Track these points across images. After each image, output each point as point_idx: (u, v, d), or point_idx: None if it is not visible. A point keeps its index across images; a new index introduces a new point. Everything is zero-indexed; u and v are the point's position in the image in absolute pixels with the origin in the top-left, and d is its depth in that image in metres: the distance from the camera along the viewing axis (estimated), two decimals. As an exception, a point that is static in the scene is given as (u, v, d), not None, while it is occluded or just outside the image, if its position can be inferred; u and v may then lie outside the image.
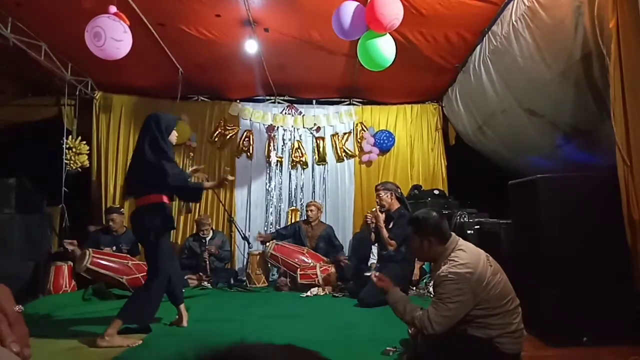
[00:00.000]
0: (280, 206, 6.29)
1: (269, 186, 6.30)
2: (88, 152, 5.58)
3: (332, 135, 6.36)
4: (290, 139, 6.36)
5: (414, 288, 4.68)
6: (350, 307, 4.10)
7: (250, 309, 4.07)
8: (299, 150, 6.29)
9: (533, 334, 2.77)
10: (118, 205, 5.45)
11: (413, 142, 6.39)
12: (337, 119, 6.38)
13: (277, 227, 6.15)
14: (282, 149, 6.36)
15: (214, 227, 5.83)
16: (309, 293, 4.72)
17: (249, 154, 6.26)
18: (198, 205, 6.11)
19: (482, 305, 2.03)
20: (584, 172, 3.17)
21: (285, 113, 6.39)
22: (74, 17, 3.84)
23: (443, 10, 3.79)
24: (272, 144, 6.29)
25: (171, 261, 3.28)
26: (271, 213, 6.26)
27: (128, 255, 4.86)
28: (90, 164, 5.69)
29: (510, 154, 5.07)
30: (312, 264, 5.04)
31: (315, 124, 6.35)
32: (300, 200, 6.28)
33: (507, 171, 5.15)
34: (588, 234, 2.85)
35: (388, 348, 2.73)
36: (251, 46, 4.55)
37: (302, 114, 6.39)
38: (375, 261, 4.98)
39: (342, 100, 6.47)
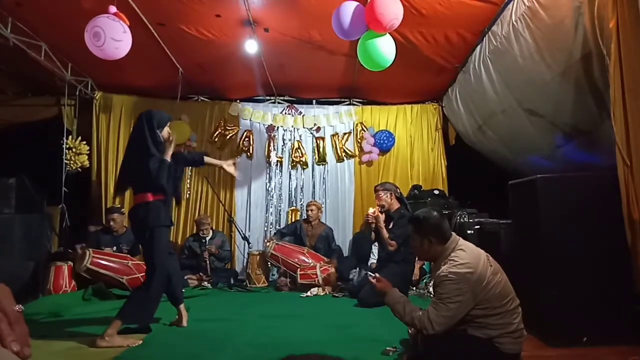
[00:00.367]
0: (280, 206, 6.29)
1: (269, 186, 6.30)
2: (88, 152, 5.59)
3: (332, 135, 6.36)
4: (290, 139, 6.36)
5: (414, 288, 4.69)
6: (350, 307, 4.10)
7: (250, 309, 4.07)
8: (299, 150, 6.29)
9: (533, 334, 2.77)
10: (119, 205, 5.45)
11: (413, 142, 6.39)
12: (337, 119, 6.38)
13: (277, 227, 6.16)
14: (282, 149, 6.36)
15: (214, 227, 5.84)
16: (309, 293, 4.72)
17: (249, 154, 6.26)
18: (198, 205, 6.11)
19: (482, 305, 2.03)
20: (584, 172, 3.17)
21: (285, 113, 6.39)
22: (74, 17, 3.84)
23: (443, 10, 3.79)
24: (272, 144, 6.29)
25: (171, 260, 3.27)
26: (271, 213, 6.26)
27: (128, 255, 4.86)
28: (90, 164, 5.70)
29: (510, 154, 5.07)
30: (312, 264, 5.05)
31: (315, 124, 6.35)
32: (300, 200, 6.28)
33: (507, 171, 5.15)
34: (588, 234, 2.85)
35: (388, 348, 2.73)
36: (251, 46, 4.55)
37: (302, 114, 6.39)
38: (375, 261, 4.98)
39: (342, 100, 6.47)
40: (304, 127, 6.36)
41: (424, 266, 4.94)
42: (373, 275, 2.43)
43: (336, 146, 6.32)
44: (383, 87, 5.98)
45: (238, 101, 6.32)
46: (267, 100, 6.41)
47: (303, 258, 5.16)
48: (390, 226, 4.35)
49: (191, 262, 5.37)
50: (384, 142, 6.20)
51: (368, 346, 2.85)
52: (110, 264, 4.56)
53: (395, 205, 4.44)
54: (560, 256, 2.88)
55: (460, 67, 5.04)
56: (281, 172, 6.34)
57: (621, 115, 2.54)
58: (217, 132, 6.20)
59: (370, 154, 6.23)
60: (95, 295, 4.28)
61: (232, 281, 5.28)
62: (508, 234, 3.59)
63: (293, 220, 6.11)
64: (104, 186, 5.80)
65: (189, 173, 6.09)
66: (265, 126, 6.32)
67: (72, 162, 5.39)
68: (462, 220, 4.57)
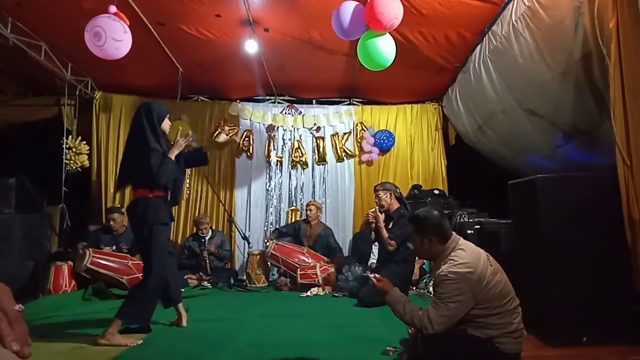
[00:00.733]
0: (280, 206, 6.29)
1: (269, 186, 6.30)
2: (88, 152, 5.59)
3: (332, 135, 6.36)
4: (290, 139, 6.37)
5: (414, 288, 4.69)
6: (350, 307, 4.10)
7: (250, 309, 4.07)
8: (299, 150, 6.29)
9: (533, 334, 2.77)
10: (119, 205, 5.46)
11: (413, 142, 6.39)
12: (337, 119, 6.38)
13: (277, 227, 6.16)
14: (282, 148, 6.36)
15: (213, 227, 5.84)
16: (309, 293, 4.72)
17: (249, 153, 6.26)
18: (198, 204, 6.11)
19: (482, 304, 2.03)
20: (584, 172, 3.17)
21: (285, 113, 6.39)
22: (74, 17, 3.84)
23: (443, 10, 3.79)
24: (272, 144, 6.29)
25: (170, 260, 3.23)
26: (271, 213, 6.26)
27: (128, 255, 4.86)
28: (90, 164, 5.70)
29: (510, 154, 5.07)
30: (312, 264, 5.05)
31: (315, 124, 6.35)
32: (300, 200, 6.28)
33: (507, 171, 5.15)
34: (588, 234, 2.85)
35: (388, 348, 2.73)
36: (251, 46, 4.55)
37: (302, 114, 6.40)
38: (375, 261, 4.98)
39: (342, 100, 6.47)
40: (304, 127, 6.36)
41: (424, 266, 4.94)
42: (373, 274, 2.43)
43: (336, 146, 6.32)
44: (383, 87, 5.98)
45: (238, 101, 6.32)
46: (267, 100, 6.41)
47: (303, 258, 5.16)
48: (390, 226, 4.35)
49: (191, 262, 5.37)
50: (384, 142, 6.20)
51: (368, 346, 2.85)
52: (110, 264, 4.57)
53: (395, 205, 4.44)
54: (560, 256, 2.88)
55: (460, 67, 5.04)
56: (281, 172, 6.33)
57: (621, 115, 2.53)
58: (217, 132, 6.19)
59: (370, 154, 6.23)
60: (95, 295, 4.29)
61: (232, 281, 5.28)
62: (508, 234, 3.59)
63: (293, 220, 6.11)
64: (104, 186, 5.80)
65: (189, 172, 6.09)
66: (265, 126, 6.32)
67: (72, 162, 5.39)
68: (462, 220, 4.57)
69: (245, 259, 5.72)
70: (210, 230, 5.60)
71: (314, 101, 6.46)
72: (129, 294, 3.14)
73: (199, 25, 4.26)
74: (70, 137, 5.53)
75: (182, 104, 6.01)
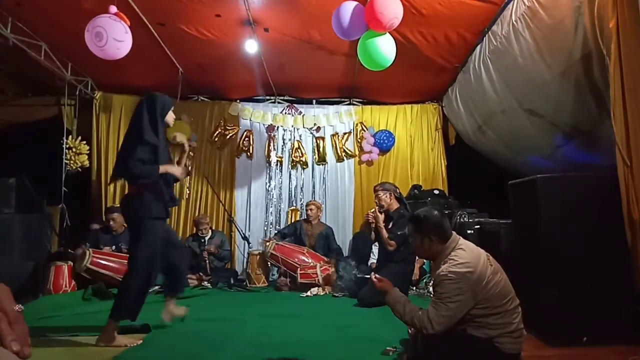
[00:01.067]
0: (280, 206, 6.29)
1: (269, 186, 6.30)
2: (88, 152, 5.59)
3: (332, 135, 6.36)
4: (290, 139, 6.37)
5: (414, 288, 4.69)
6: (350, 307, 4.10)
7: (250, 309, 4.07)
8: (299, 150, 6.29)
9: (533, 334, 2.77)
10: (118, 205, 5.46)
11: (413, 142, 6.39)
12: (337, 119, 6.38)
13: (277, 227, 6.16)
14: (282, 148, 6.36)
15: (213, 227, 5.84)
16: (309, 293, 4.72)
17: (249, 153, 6.26)
18: (198, 204, 6.11)
19: (482, 304, 2.03)
20: (584, 172, 3.17)
21: (285, 113, 6.39)
22: (74, 17, 3.84)
23: (443, 10, 3.79)
24: (272, 144, 6.29)
25: (174, 251, 3.20)
26: (271, 213, 6.26)
27: (128, 255, 4.86)
28: (90, 164, 5.70)
29: (510, 154, 5.07)
30: (312, 264, 5.04)
31: (315, 124, 6.35)
32: (300, 200, 6.28)
33: (507, 171, 5.15)
34: (588, 234, 2.85)
35: (388, 348, 2.73)
36: (251, 46, 4.55)
37: (302, 114, 6.39)
38: (375, 261, 4.99)
39: (342, 100, 6.47)
40: (304, 127, 6.36)
41: (424, 266, 4.94)
42: (374, 275, 2.43)
43: (336, 146, 6.32)
44: (383, 87, 5.98)
45: (238, 101, 6.32)
46: (267, 100, 6.41)
47: (303, 258, 5.16)
48: (390, 226, 4.35)
49: (191, 262, 5.36)
50: (384, 142, 6.20)
51: (368, 346, 2.85)
52: (110, 264, 4.57)
53: (395, 205, 4.44)
54: (560, 256, 2.88)
55: (460, 67, 5.04)
56: (281, 172, 6.34)
57: (621, 115, 2.53)
58: (217, 132, 6.20)
59: (370, 154, 6.23)
60: (95, 295, 4.29)
61: (232, 281, 5.28)
62: (508, 234, 3.59)
63: (293, 221, 6.11)
64: (104, 186, 5.81)
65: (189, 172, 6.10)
66: (265, 126, 6.32)
67: (72, 162, 5.40)
68: (462, 220, 4.57)
69: (245, 259, 5.72)
70: (210, 231, 5.60)
71: (314, 101, 6.46)
72: (118, 292, 3.08)
73: (199, 25, 4.26)
74: (70, 137, 5.54)
75: (182, 104, 6.00)
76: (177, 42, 4.61)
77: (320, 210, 5.80)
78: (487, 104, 4.73)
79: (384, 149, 6.25)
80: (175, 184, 3.36)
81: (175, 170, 3.12)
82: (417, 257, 4.43)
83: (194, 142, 6.12)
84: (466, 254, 2.12)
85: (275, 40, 4.52)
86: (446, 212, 4.09)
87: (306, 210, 5.73)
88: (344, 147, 6.32)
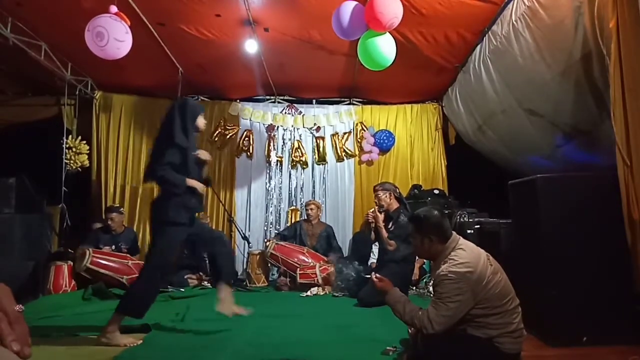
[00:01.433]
0: (280, 206, 6.29)
1: (269, 186, 6.30)
2: (88, 151, 5.59)
3: (332, 135, 6.36)
4: (290, 139, 6.37)
5: (414, 288, 4.69)
6: (350, 307, 4.10)
7: (250, 309, 4.06)
8: (299, 150, 6.29)
9: (533, 334, 2.77)
10: (118, 205, 5.46)
11: (413, 142, 6.39)
12: (337, 119, 6.38)
13: (277, 227, 6.17)
14: (282, 148, 6.36)
15: (213, 227, 5.83)
16: (308, 293, 4.72)
17: (249, 153, 6.26)
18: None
19: (482, 304, 2.03)
20: (584, 172, 3.17)
21: (285, 113, 6.39)
22: (74, 17, 3.84)
23: (443, 10, 3.79)
24: (272, 144, 6.29)
25: (212, 242, 3.23)
26: (271, 213, 6.26)
27: (128, 255, 4.87)
28: (90, 164, 5.70)
29: (510, 154, 5.07)
30: (312, 264, 5.04)
31: (315, 124, 6.35)
32: (300, 200, 6.28)
33: (507, 171, 5.15)
34: (588, 234, 2.85)
35: (388, 348, 2.73)
36: (251, 46, 4.55)
37: (302, 114, 6.40)
38: (375, 261, 4.99)
39: (342, 100, 6.47)
40: (304, 127, 6.36)
41: (424, 266, 4.94)
42: (374, 274, 2.43)
43: (336, 146, 6.32)
44: (383, 87, 5.98)
45: (238, 101, 6.32)
46: (267, 100, 6.41)
47: (303, 258, 5.16)
48: (390, 226, 4.34)
49: (191, 262, 5.36)
50: (384, 142, 6.20)
51: (368, 346, 2.85)
52: (110, 264, 4.57)
53: (395, 205, 4.44)
54: (560, 256, 2.88)
55: (460, 67, 5.04)
56: (281, 171, 6.34)
57: (621, 115, 2.53)
58: (217, 132, 6.20)
59: (370, 154, 6.23)
60: (95, 295, 4.29)
61: (232, 281, 5.27)
62: (508, 234, 3.59)
63: (293, 221, 6.11)
64: (104, 186, 5.81)
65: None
66: (265, 126, 6.32)
67: (72, 161, 5.39)
68: (462, 219, 4.57)
69: (245, 259, 5.72)
70: (210, 230, 5.59)
71: (314, 101, 6.46)
72: (129, 287, 3.14)
73: (199, 25, 4.25)
74: (70, 137, 5.53)
75: (182, 104, 6.00)
76: (177, 42, 4.61)
77: (320, 210, 5.80)
78: (487, 103, 4.73)
79: (384, 149, 6.25)
80: None
81: (199, 186, 3.10)
82: (417, 257, 4.43)
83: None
84: (466, 254, 2.12)
85: (275, 40, 4.52)
86: (446, 212, 4.10)
87: (306, 210, 5.74)
88: (344, 147, 6.33)
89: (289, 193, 6.33)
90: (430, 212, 2.28)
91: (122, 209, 5.30)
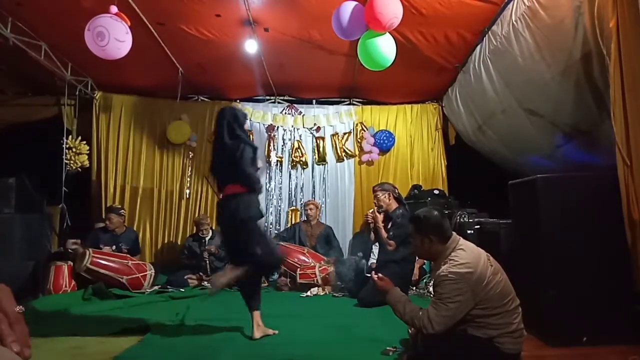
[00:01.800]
0: (280, 206, 6.29)
1: (269, 186, 6.30)
2: (88, 152, 5.59)
3: (332, 135, 6.36)
4: (290, 139, 6.36)
5: (414, 288, 4.69)
6: (350, 307, 4.10)
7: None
8: (299, 150, 6.29)
9: (533, 334, 2.77)
10: (119, 206, 5.46)
11: (413, 142, 6.39)
12: (337, 119, 6.38)
13: (277, 227, 6.16)
14: (282, 148, 6.36)
15: (214, 228, 5.83)
16: (308, 293, 4.72)
17: (249, 153, 6.25)
18: (198, 205, 6.11)
19: (482, 304, 2.03)
20: (584, 172, 3.17)
21: (285, 113, 6.39)
22: (74, 17, 3.84)
23: (443, 10, 3.79)
24: (272, 144, 6.29)
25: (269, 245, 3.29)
26: (271, 213, 6.26)
27: (128, 255, 4.87)
28: (90, 164, 5.70)
29: (510, 154, 5.07)
30: (312, 264, 5.04)
31: (315, 124, 6.35)
32: (300, 200, 6.27)
33: (507, 171, 5.15)
34: (588, 234, 2.85)
35: (388, 348, 2.73)
36: (251, 46, 4.55)
37: (302, 114, 6.40)
38: (375, 261, 4.98)
39: (342, 100, 6.47)
40: (304, 127, 6.36)
41: (424, 266, 4.93)
42: (375, 274, 2.43)
43: (336, 146, 6.32)
44: (383, 87, 5.98)
45: (238, 101, 6.32)
46: (267, 100, 6.41)
47: (303, 258, 5.16)
48: (389, 226, 4.34)
49: (191, 262, 5.36)
50: (384, 142, 6.20)
51: (368, 346, 2.85)
52: (110, 264, 4.56)
53: (394, 205, 4.43)
54: (560, 256, 2.88)
55: (460, 67, 5.04)
56: (281, 172, 6.34)
57: (621, 115, 2.53)
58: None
59: (370, 154, 6.23)
60: (95, 295, 4.28)
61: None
62: (508, 234, 3.59)
63: (293, 221, 6.11)
64: (104, 186, 5.81)
65: (189, 172, 6.10)
66: (265, 126, 6.32)
67: (72, 161, 5.39)
68: (462, 220, 4.57)
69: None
70: (210, 231, 5.58)
71: (314, 101, 6.46)
72: (251, 286, 3.26)
73: (199, 25, 4.25)
74: (70, 137, 5.53)
75: (182, 104, 6.01)
76: (177, 42, 4.61)
77: (319, 210, 5.80)
78: (487, 103, 4.73)
79: (384, 149, 6.25)
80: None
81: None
82: (417, 257, 4.43)
83: (193, 142, 6.12)
84: (466, 254, 2.12)
85: (275, 40, 4.52)
86: (446, 212, 4.10)
87: (305, 210, 5.73)
88: (344, 147, 6.32)
89: (289, 193, 6.33)
90: (430, 213, 2.28)
91: (122, 210, 5.29)
